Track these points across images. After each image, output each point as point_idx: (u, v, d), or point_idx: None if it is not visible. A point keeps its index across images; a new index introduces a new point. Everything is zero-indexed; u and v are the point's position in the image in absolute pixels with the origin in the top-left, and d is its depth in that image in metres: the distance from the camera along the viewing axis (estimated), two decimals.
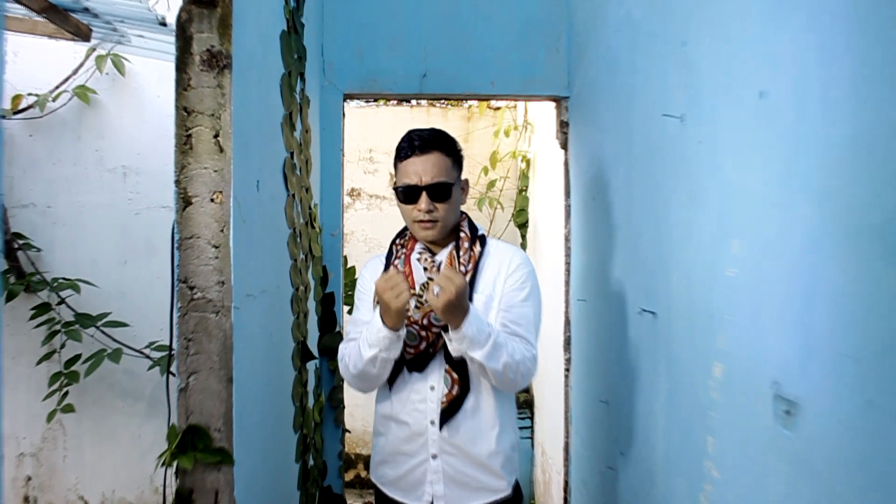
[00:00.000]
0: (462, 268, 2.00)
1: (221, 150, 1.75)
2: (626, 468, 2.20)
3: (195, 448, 1.75)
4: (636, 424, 2.11)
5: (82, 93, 3.11)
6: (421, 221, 1.95)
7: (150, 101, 3.25)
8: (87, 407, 3.25)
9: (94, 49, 3.11)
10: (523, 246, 4.61)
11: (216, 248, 1.75)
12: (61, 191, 3.22)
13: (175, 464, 1.75)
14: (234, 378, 1.77)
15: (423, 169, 1.94)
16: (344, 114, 3.26)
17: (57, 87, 3.15)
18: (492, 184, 4.68)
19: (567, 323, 3.29)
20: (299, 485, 2.61)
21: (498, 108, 4.77)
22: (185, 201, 1.74)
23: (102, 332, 3.04)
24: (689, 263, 1.67)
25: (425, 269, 2.02)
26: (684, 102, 1.71)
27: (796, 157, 1.18)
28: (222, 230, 1.75)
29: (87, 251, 3.24)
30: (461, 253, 2.03)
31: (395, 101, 4.79)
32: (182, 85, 1.75)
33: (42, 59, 3.15)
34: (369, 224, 4.82)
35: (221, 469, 1.75)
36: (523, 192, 4.57)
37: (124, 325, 3.02)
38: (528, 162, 4.52)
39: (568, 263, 3.28)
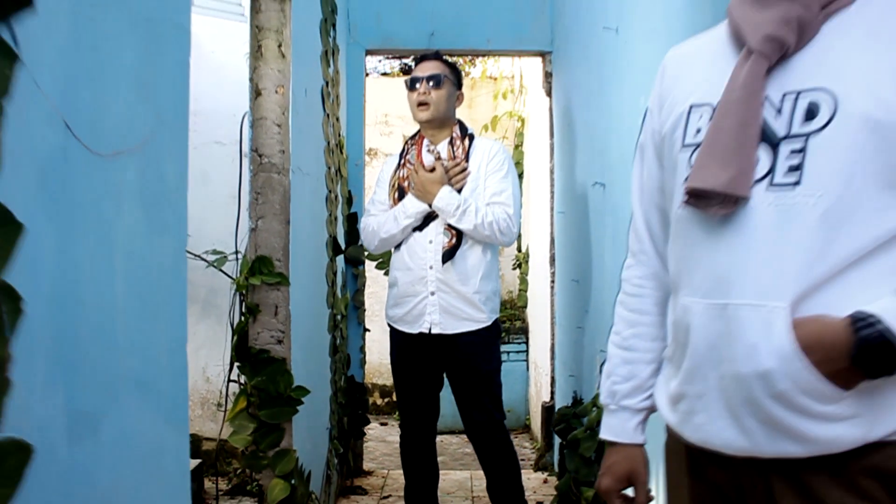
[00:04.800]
0: (456, 158, 2.66)
1: (283, 56, 2.40)
2: (589, 319, 2.83)
3: (262, 272, 2.39)
4: (594, 281, 2.74)
5: None
6: (419, 104, 2.62)
7: (205, 55, 3.89)
8: None
9: None
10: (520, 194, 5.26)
11: (279, 126, 2.40)
12: None
13: (248, 286, 2.39)
14: (291, 222, 2.41)
15: (425, 67, 2.63)
16: (366, 69, 3.92)
17: None
18: None
19: (552, 242, 3.91)
20: (331, 353, 3.25)
21: (496, 78, 5.42)
22: (256, 93, 2.40)
23: None
24: (620, 131, 2.31)
25: (437, 158, 2.68)
26: (618, 19, 2.36)
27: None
28: (283, 113, 2.40)
29: None
30: (455, 147, 2.69)
31: (407, 73, 5.44)
32: (255, 10, 2.41)
33: None
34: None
35: (280, 288, 2.40)
36: (519, 148, 5.22)
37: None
38: (523, 121, 5.17)
39: (552, 193, 3.91)
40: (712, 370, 0.93)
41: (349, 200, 3.76)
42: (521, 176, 5.23)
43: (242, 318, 2.41)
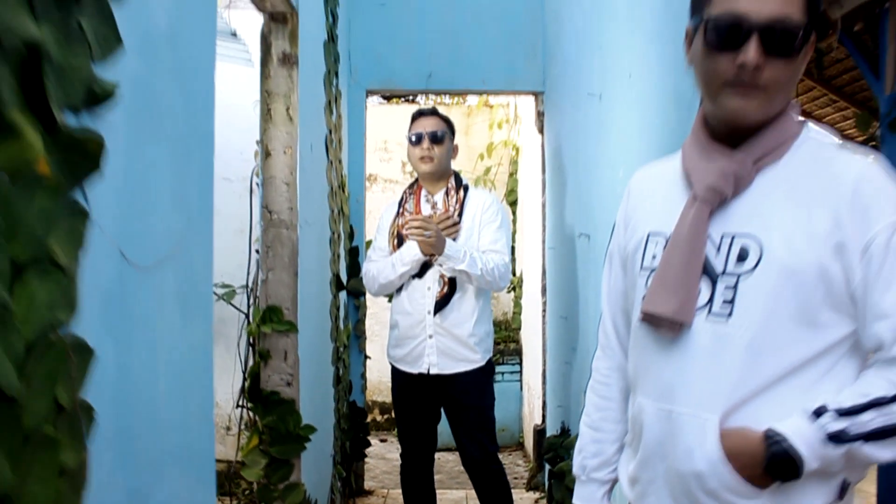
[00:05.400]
0: (451, 208, 2.85)
1: (291, 119, 2.60)
2: (576, 356, 3.03)
3: (272, 321, 2.58)
4: (580, 321, 2.94)
5: None
6: (423, 158, 2.80)
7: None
8: None
9: None
10: (514, 221, 5.46)
11: (287, 185, 2.59)
12: None
13: (259, 332, 2.58)
14: (299, 274, 2.61)
15: (426, 124, 2.81)
16: (366, 105, 4.12)
17: None
18: (487, 170, 5.53)
19: (543, 273, 4.11)
20: (334, 383, 3.45)
21: (492, 106, 5.62)
22: (266, 153, 2.59)
23: None
24: (603, 190, 2.51)
25: (432, 207, 2.88)
26: (602, 86, 2.56)
27: (649, 110, 2.03)
28: (291, 173, 2.59)
29: None
30: (450, 197, 2.88)
31: (406, 101, 5.64)
32: (265, 76, 2.60)
33: None
34: (384, 205, 5.66)
35: (289, 335, 2.59)
36: (513, 175, 5.41)
37: None
38: (517, 150, 5.37)
39: (544, 226, 4.11)
40: (660, 462, 1.13)
41: (350, 235, 3.95)
42: (515, 203, 5.43)
43: (254, 363, 2.60)
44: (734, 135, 1.13)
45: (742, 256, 1.09)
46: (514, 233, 5.55)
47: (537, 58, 4.06)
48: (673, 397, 1.12)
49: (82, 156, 1.04)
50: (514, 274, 5.49)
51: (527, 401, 5.13)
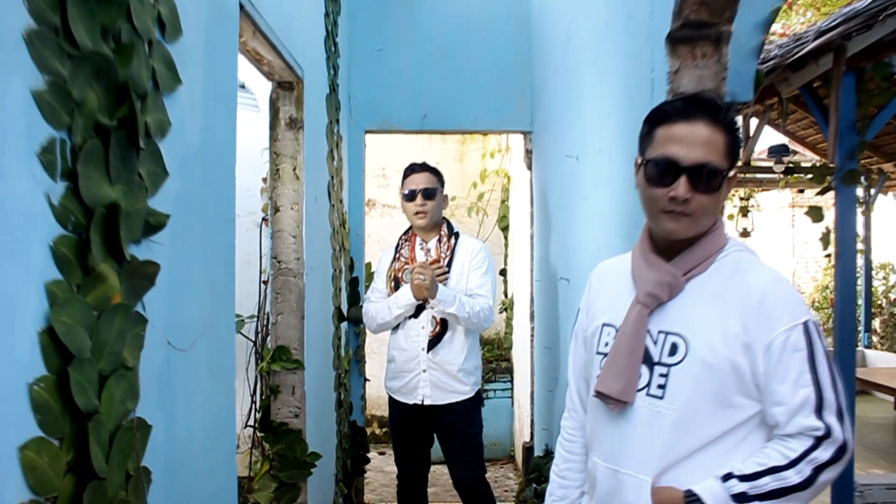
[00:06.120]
0: (442, 254, 3.14)
1: (298, 178, 2.89)
2: (558, 386, 3.32)
3: (281, 359, 2.87)
4: (561, 354, 3.22)
5: None
6: (417, 213, 3.09)
7: None
8: None
9: None
10: (505, 246, 5.75)
11: (294, 237, 2.88)
12: None
13: (269, 369, 2.87)
14: (305, 317, 2.90)
15: (418, 180, 3.09)
16: (365, 144, 4.40)
17: None
18: (480, 196, 5.82)
19: (531, 301, 4.40)
20: (336, 407, 3.73)
21: (486, 134, 5.90)
22: (275, 209, 2.88)
23: None
24: (581, 243, 2.79)
25: (426, 253, 3.17)
26: (579, 148, 2.85)
27: (620, 183, 2.31)
28: (298, 226, 2.88)
29: None
30: (442, 244, 3.17)
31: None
32: (273, 139, 2.89)
33: None
34: (382, 229, 5.95)
35: (296, 372, 2.88)
36: (505, 203, 5.70)
37: None
38: (509, 178, 5.66)
39: (532, 257, 4.40)
40: None
41: (351, 267, 4.23)
42: (506, 229, 5.72)
43: (265, 398, 2.89)
44: (671, 247, 1.43)
45: (673, 350, 1.39)
46: (505, 256, 5.84)
47: (526, 99, 4.34)
48: (618, 460, 1.42)
49: (143, 278, 1.33)
50: (505, 295, 5.78)
51: (517, 416, 5.42)
